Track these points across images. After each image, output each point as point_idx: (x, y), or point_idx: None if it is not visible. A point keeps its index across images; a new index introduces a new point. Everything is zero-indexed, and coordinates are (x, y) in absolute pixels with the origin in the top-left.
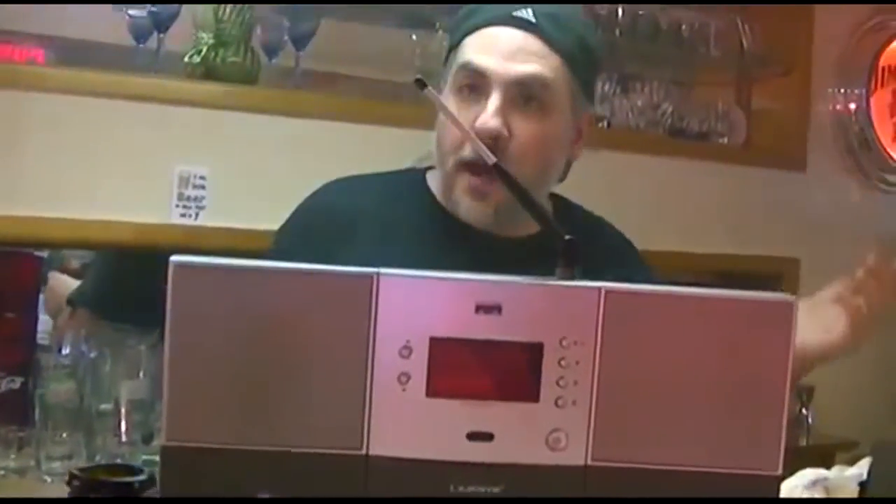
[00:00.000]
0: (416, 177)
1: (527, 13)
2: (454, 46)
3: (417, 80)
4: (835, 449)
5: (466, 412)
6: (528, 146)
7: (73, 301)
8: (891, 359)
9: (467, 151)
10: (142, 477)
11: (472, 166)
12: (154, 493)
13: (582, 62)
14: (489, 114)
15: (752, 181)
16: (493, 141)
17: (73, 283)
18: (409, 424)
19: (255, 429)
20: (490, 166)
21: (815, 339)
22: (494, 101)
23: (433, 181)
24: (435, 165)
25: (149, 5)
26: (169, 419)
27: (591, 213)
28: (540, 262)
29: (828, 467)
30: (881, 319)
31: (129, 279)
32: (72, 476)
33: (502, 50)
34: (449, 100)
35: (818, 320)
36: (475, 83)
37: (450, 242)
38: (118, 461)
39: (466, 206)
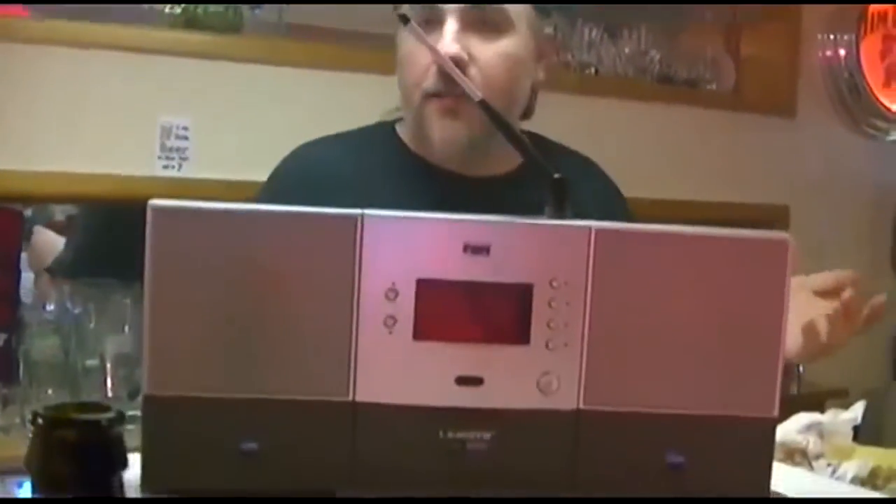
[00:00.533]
0: (385, 129)
1: None
2: None
3: (401, 16)
4: (825, 397)
5: (455, 356)
6: (490, 68)
7: (53, 270)
8: None
9: (430, 81)
10: (110, 414)
11: (439, 94)
12: (122, 430)
13: None
14: (447, 41)
15: (741, 128)
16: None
17: (57, 239)
18: (397, 369)
19: (239, 377)
20: (465, 96)
21: (791, 341)
22: (450, 27)
23: (403, 131)
24: (402, 115)
25: None
26: (150, 368)
27: (575, 151)
28: (520, 200)
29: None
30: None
31: (108, 241)
32: (35, 415)
33: None
34: (401, 43)
35: (800, 318)
36: (429, 17)
37: (425, 188)
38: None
39: (439, 129)
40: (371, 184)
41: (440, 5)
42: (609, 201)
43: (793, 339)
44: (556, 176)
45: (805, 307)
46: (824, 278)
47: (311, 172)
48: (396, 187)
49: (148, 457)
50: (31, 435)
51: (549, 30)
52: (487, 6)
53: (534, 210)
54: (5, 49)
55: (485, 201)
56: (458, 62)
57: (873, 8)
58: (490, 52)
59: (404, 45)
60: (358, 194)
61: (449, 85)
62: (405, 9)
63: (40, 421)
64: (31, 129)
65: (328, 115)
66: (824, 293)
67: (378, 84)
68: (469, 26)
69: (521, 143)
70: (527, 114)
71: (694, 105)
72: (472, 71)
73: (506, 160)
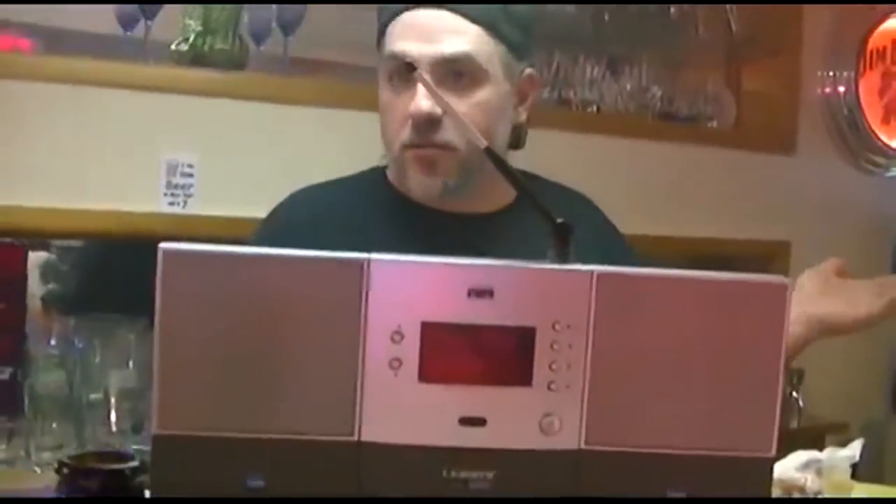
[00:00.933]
0: (377, 174)
1: None
2: (381, 36)
3: (407, 64)
4: (825, 431)
5: (459, 397)
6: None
7: (45, 299)
8: (878, 341)
9: (407, 133)
10: (133, 463)
11: (416, 146)
12: (144, 480)
13: (506, 24)
14: (419, 98)
15: (742, 164)
16: (429, 124)
17: None
18: (402, 410)
19: (247, 416)
20: (440, 142)
21: (836, 312)
22: (423, 84)
23: (390, 173)
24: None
25: None
26: (160, 408)
27: (570, 189)
28: (515, 236)
29: (819, 449)
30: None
31: (111, 276)
32: (61, 464)
33: (421, 32)
34: (381, 90)
35: (839, 293)
36: (402, 74)
37: (420, 231)
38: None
39: (417, 183)
40: (364, 231)
41: (414, 61)
42: (607, 236)
43: (840, 310)
44: (559, 221)
45: (839, 286)
46: (832, 262)
47: (306, 216)
48: (391, 234)
49: (157, 494)
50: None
51: (529, 70)
52: (458, 60)
53: (527, 245)
54: (9, 86)
55: (486, 238)
56: (432, 119)
57: (872, 45)
58: (464, 106)
59: (383, 95)
60: (352, 237)
61: (425, 136)
62: (392, 57)
63: (66, 471)
64: (37, 165)
65: (333, 153)
66: (841, 273)
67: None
68: (442, 81)
69: (522, 186)
70: (517, 146)
71: (695, 142)
72: (447, 124)
73: (499, 197)
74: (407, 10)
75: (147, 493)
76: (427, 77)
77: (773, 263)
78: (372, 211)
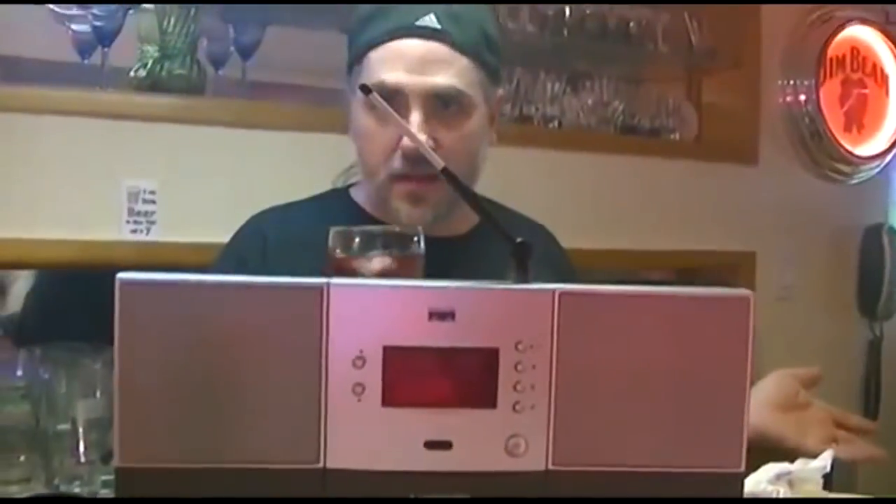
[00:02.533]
0: (340, 195)
1: (430, 20)
2: (358, 58)
3: (362, 87)
4: None
5: (424, 421)
6: (456, 151)
7: (6, 328)
8: (845, 349)
9: (398, 163)
10: None
11: (405, 177)
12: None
13: (488, 52)
14: (414, 130)
15: (705, 176)
16: (421, 156)
17: None
18: (366, 435)
19: (210, 446)
20: (430, 173)
21: (782, 435)
22: (416, 117)
23: (359, 195)
24: (357, 180)
25: (91, 17)
26: (121, 440)
27: (526, 217)
28: (478, 258)
29: (791, 460)
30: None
31: (75, 304)
32: None
33: (411, 63)
34: (361, 116)
35: (794, 414)
36: (389, 99)
37: None
38: (77, 483)
39: (406, 213)
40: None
41: (404, 92)
42: (557, 262)
43: (787, 435)
44: (519, 240)
45: (797, 408)
46: (809, 372)
47: (271, 239)
48: None
49: None
50: None
51: (501, 91)
52: (448, 92)
53: (491, 267)
54: None
55: (446, 260)
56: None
57: (832, 52)
58: (455, 138)
59: (363, 121)
60: (318, 262)
61: (416, 167)
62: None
63: None
64: None
65: (294, 176)
66: (812, 383)
67: (343, 144)
68: (432, 113)
69: (482, 210)
70: None
71: (657, 155)
72: (440, 155)
73: (462, 222)
74: (396, 37)
75: None
76: (417, 111)
77: (739, 274)
78: None
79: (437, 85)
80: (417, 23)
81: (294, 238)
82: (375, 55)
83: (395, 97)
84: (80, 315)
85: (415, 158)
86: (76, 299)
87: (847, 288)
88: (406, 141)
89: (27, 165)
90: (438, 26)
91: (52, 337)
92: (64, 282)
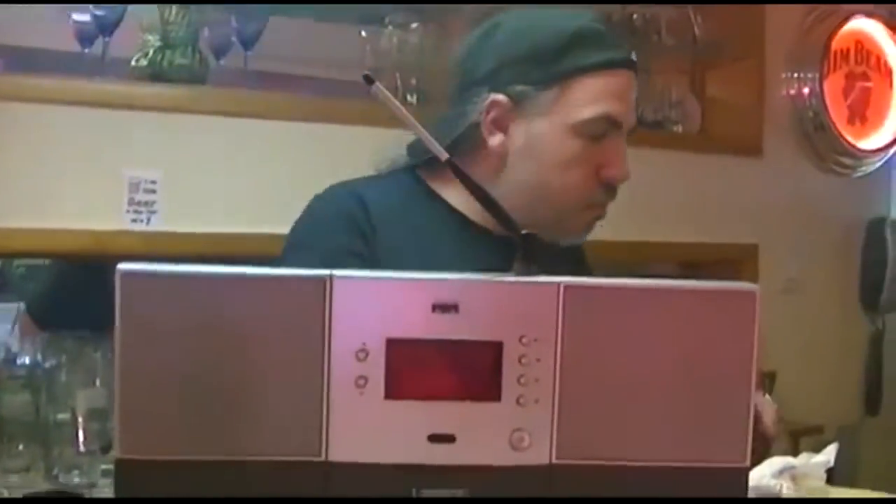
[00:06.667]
0: (411, 179)
1: (632, 54)
2: (563, 77)
3: (365, 76)
4: (799, 434)
5: (426, 414)
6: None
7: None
8: (848, 341)
9: (601, 194)
10: None
11: (602, 205)
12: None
13: None
14: (623, 160)
15: (709, 168)
16: (616, 187)
17: None
18: (369, 428)
19: (212, 439)
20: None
21: None
22: (624, 148)
23: (442, 187)
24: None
25: (92, 8)
26: (122, 432)
27: None
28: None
29: (794, 453)
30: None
31: (69, 291)
32: None
33: (628, 97)
34: (564, 140)
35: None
36: (601, 131)
37: (477, 248)
38: (76, 472)
39: (586, 232)
40: (418, 235)
41: (622, 125)
42: (579, 255)
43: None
44: (524, 232)
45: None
46: None
47: (376, 211)
48: (446, 245)
49: None
50: None
51: None
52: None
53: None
54: None
55: (554, 261)
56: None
57: (836, 45)
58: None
59: (570, 143)
60: (406, 244)
61: (610, 196)
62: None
63: None
64: None
65: (295, 165)
66: None
67: (344, 134)
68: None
69: (492, 204)
70: None
71: (661, 147)
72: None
73: None
74: (616, 66)
75: None
76: (623, 142)
77: (742, 267)
78: (422, 218)
79: (635, 119)
80: (632, 57)
81: (381, 218)
82: (595, 82)
83: (609, 130)
84: (88, 303)
85: (612, 188)
86: (82, 287)
87: (850, 280)
88: (621, 174)
89: (28, 155)
90: (634, 58)
91: (60, 325)
92: (70, 270)
